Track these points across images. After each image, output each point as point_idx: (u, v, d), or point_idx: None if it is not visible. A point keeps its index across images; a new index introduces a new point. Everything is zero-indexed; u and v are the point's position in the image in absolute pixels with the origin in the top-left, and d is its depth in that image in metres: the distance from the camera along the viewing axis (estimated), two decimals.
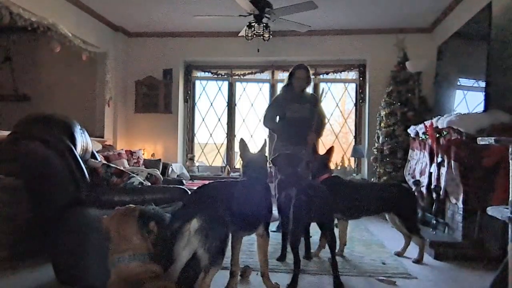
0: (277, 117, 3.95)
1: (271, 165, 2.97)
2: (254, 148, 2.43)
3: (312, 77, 3.98)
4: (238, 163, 6.66)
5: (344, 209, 3.03)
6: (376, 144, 5.34)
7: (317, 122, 3.78)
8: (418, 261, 3.03)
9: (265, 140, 2.45)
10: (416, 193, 3.63)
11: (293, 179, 2.71)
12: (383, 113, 5.27)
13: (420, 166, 4.04)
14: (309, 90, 4.07)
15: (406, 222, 3.08)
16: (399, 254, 3.20)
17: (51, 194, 2.23)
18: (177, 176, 5.62)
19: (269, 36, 4.75)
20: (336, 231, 3.12)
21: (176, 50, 6.36)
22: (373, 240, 3.73)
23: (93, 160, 2.63)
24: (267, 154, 2.46)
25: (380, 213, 3.35)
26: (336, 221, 3.26)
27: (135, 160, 5.55)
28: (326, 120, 4.12)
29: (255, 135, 6.62)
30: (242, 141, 2.39)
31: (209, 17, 4.96)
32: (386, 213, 3.23)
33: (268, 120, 3.96)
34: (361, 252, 3.26)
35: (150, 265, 1.61)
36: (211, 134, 6.76)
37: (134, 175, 2.59)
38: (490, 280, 1.99)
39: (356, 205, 3.05)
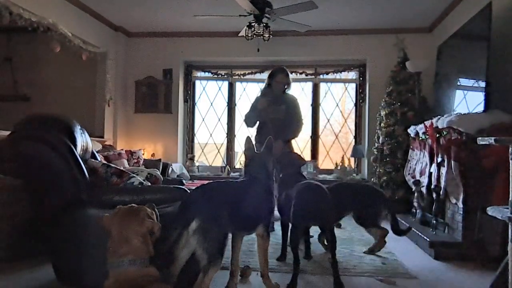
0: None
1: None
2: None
3: (290, 80, 3.96)
4: (238, 163, 6.66)
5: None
6: (376, 144, 5.33)
7: (291, 124, 3.82)
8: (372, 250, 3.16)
9: (270, 138, 2.38)
10: (383, 191, 3.68)
11: (294, 179, 2.71)
12: (383, 113, 5.27)
13: (420, 166, 4.05)
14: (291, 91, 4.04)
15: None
16: (370, 251, 3.21)
17: (51, 194, 2.23)
18: (177, 176, 5.61)
19: (269, 36, 4.75)
20: (338, 231, 3.14)
21: (176, 50, 6.35)
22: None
23: (93, 160, 2.63)
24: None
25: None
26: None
27: (135, 160, 5.55)
28: (303, 122, 4.01)
29: (254, 135, 6.59)
30: (248, 139, 2.37)
31: (209, 17, 4.96)
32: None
33: (249, 121, 4.03)
34: (361, 252, 3.26)
35: (148, 269, 1.58)
36: (211, 134, 6.76)
37: (134, 175, 2.59)
38: (490, 280, 2.00)
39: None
